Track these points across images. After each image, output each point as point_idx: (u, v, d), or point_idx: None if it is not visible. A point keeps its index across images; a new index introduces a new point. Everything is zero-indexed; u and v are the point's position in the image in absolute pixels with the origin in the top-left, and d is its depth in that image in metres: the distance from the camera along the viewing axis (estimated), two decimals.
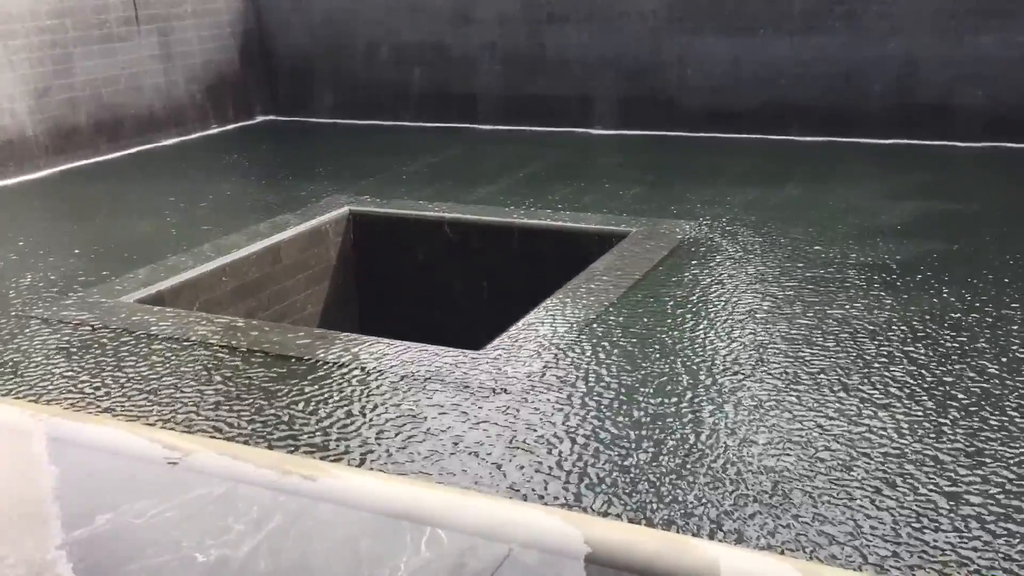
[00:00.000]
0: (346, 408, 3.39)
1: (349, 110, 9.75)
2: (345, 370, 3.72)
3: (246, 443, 3.07)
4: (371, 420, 3.29)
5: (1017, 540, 2.52)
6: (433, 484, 2.47)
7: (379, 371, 3.69)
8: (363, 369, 3.71)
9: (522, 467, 2.94)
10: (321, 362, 3.80)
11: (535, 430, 3.19)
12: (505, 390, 3.49)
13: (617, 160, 7.73)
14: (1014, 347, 3.73)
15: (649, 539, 2.21)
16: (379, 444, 3.11)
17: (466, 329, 5.52)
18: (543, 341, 3.96)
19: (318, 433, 3.20)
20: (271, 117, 10.08)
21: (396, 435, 3.17)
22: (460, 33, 9.08)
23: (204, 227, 6.03)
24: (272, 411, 3.38)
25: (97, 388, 3.62)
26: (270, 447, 3.06)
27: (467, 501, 2.09)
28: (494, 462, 2.97)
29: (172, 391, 3.56)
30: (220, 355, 3.91)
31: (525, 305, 4.48)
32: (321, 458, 2.92)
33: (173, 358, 3.90)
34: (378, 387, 3.55)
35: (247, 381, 3.65)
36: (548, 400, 3.41)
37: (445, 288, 6.42)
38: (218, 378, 3.69)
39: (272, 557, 1.99)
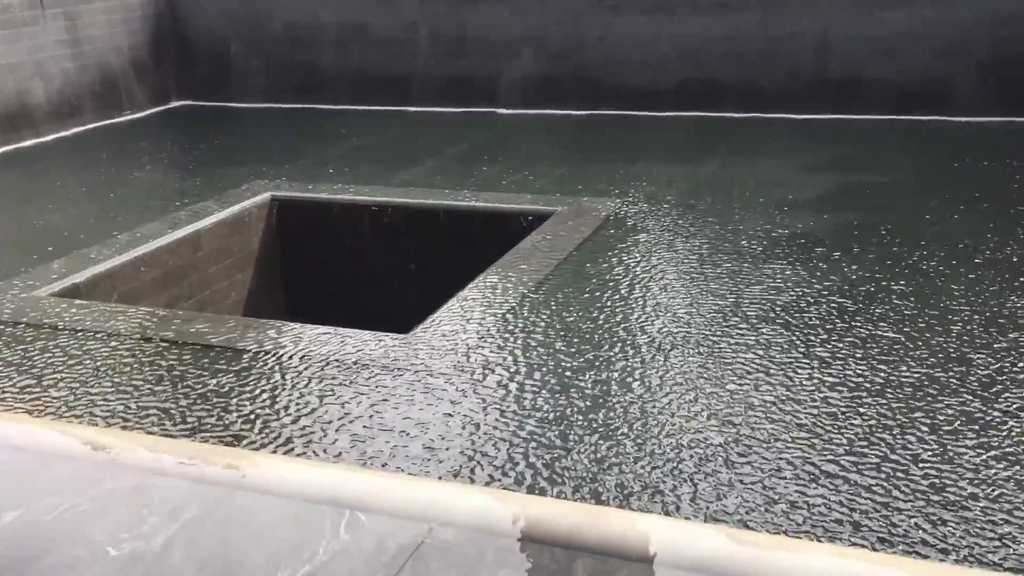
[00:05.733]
0: (270, 396, 3.32)
1: (270, 94, 9.54)
2: (269, 357, 3.64)
3: (165, 435, 2.99)
4: (295, 407, 3.23)
5: (920, 504, 2.60)
6: (353, 468, 2.44)
7: (304, 357, 3.63)
8: (287, 356, 3.64)
9: (448, 448, 2.92)
10: (244, 350, 3.72)
11: (463, 412, 3.17)
12: (432, 373, 3.46)
13: (542, 139, 7.72)
14: (932, 312, 3.84)
15: (576, 512, 2.22)
16: (303, 430, 3.05)
17: (395, 313, 5.46)
18: (470, 322, 3.94)
19: (240, 422, 3.13)
20: (187, 102, 9.82)
21: (320, 421, 3.12)
22: (381, 13, 8.96)
23: (120, 216, 5.84)
24: (193, 402, 3.30)
25: (11, 385, 3.48)
26: (192, 438, 2.99)
27: (386, 483, 2.07)
28: (421, 445, 2.95)
29: (89, 385, 3.45)
30: (139, 347, 3.80)
31: (454, 287, 4.45)
32: (244, 447, 2.86)
33: (90, 352, 3.77)
34: (302, 373, 3.49)
35: (167, 372, 3.55)
36: (475, 381, 3.39)
37: (373, 272, 6.34)
38: (137, 370, 3.58)
39: (188, 548, 1.94)
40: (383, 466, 2.76)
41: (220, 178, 6.69)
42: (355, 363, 3.56)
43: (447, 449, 2.91)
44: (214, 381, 3.46)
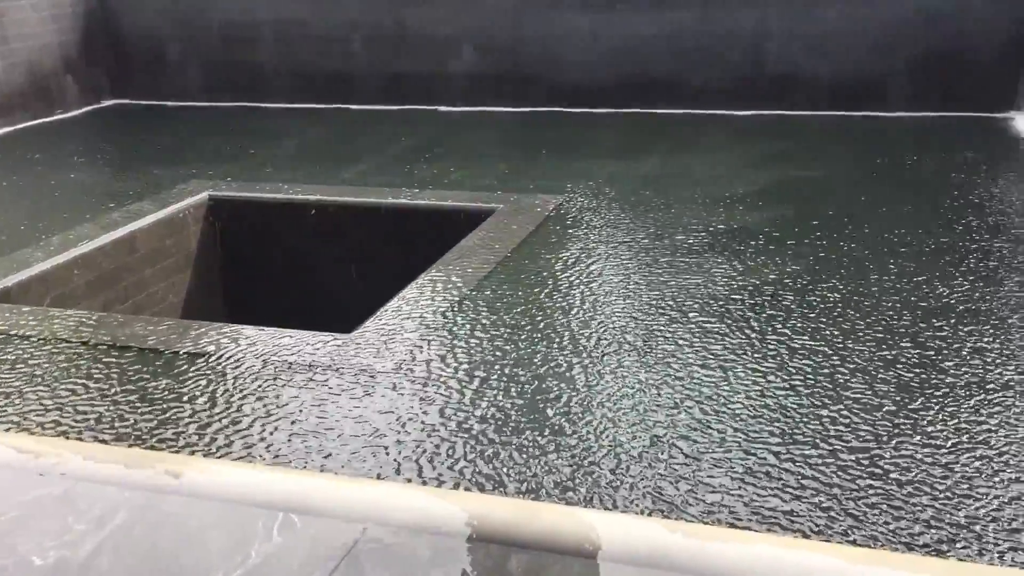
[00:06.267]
0: (207, 398, 3.26)
1: (207, 92, 9.39)
2: (207, 359, 3.58)
3: (99, 440, 2.92)
4: (233, 409, 3.18)
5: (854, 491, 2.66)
6: (287, 470, 2.41)
7: (243, 358, 3.57)
8: (226, 357, 3.59)
9: (387, 447, 2.90)
10: (181, 353, 3.65)
11: (404, 411, 3.16)
12: (373, 373, 3.44)
13: (483, 137, 7.72)
14: (865, 303, 3.92)
15: (515, 508, 2.23)
16: (240, 433, 3.01)
17: (337, 313, 5.41)
18: (412, 322, 3.92)
19: (176, 425, 3.07)
20: (121, 101, 9.61)
21: (258, 423, 3.08)
22: (319, 10, 8.86)
23: (52, 218, 5.70)
24: (129, 405, 3.23)
25: None
26: (126, 442, 2.92)
27: (321, 484, 2.05)
28: (360, 445, 2.93)
29: (22, 391, 3.35)
30: (73, 351, 3.70)
31: (396, 286, 4.42)
32: (180, 450, 2.81)
33: (23, 357, 3.67)
34: (241, 375, 3.44)
35: (103, 376, 3.47)
36: (415, 379, 3.38)
37: (314, 272, 6.28)
38: (72, 375, 3.49)
39: (115, 555, 1.90)
40: (321, 467, 2.74)
41: (156, 178, 6.57)
42: (295, 363, 3.52)
43: (386, 448, 2.89)
44: (151, 384, 3.39)
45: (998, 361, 3.38)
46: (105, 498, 2.20)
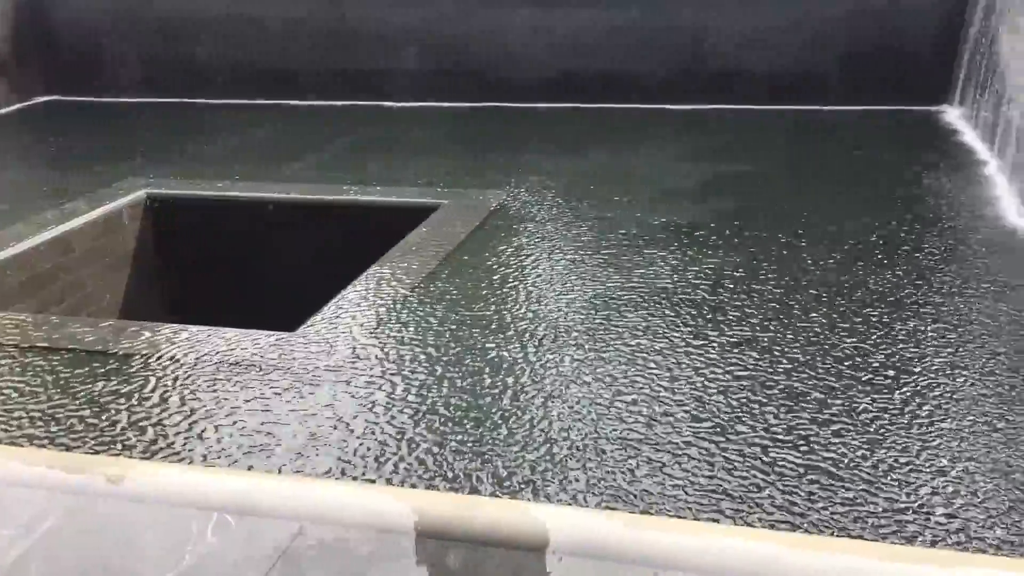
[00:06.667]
0: (145, 400, 3.21)
1: (145, 88, 9.19)
2: (146, 360, 3.52)
3: (33, 444, 2.85)
4: (171, 409, 3.13)
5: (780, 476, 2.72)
6: (222, 470, 2.38)
7: (182, 358, 3.52)
8: (166, 357, 3.53)
9: (328, 445, 2.89)
10: (119, 353, 3.58)
11: (347, 409, 3.14)
12: (315, 370, 3.41)
13: (429, 132, 7.69)
14: (802, 295, 4.00)
15: (456, 503, 2.23)
16: (178, 434, 2.96)
17: (280, 311, 5.35)
18: (355, 319, 3.90)
19: (114, 427, 3.01)
20: (55, 97, 9.37)
21: (197, 423, 3.04)
22: (263, 4, 8.74)
23: None
24: (66, 408, 3.16)
25: None
26: (61, 446, 2.86)
27: (256, 483, 2.03)
28: (301, 443, 2.90)
29: None
30: (7, 354, 3.61)
31: (341, 284, 4.39)
32: (116, 453, 2.76)
33: None
34: (180, 375, 3.38)
35: (39, 379, 3.39)
36: (361, 377, 3.36)
37: (256, 270, 6.20)
38: (6, 378, 3.40)
39: (43, 561, 1.85)
40: (264, 466, 2.71)
41: (92, 176, 6.42)
42: (236, 362, 3.48)
43: (328, 446, 2.87)
44: (87, 386, 3.32)
45: (927, 350, 3.47)
46: (34, 503, 2.15)
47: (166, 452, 2.82)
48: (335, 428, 2.99)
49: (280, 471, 2.62)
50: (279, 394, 3.23)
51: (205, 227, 6.08)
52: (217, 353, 3.55)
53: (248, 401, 3.18)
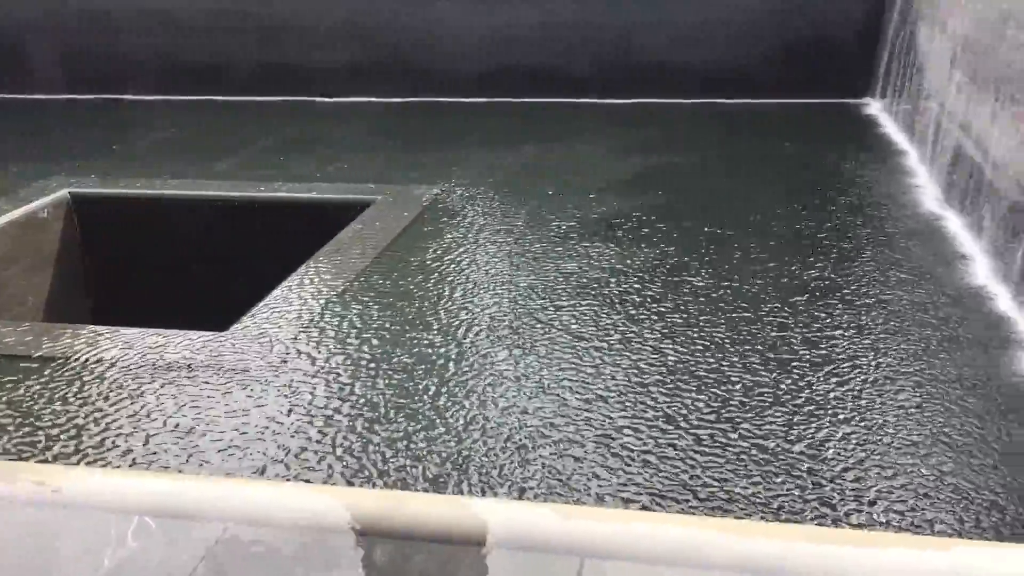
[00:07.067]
0: (69, 404, 3.12)
1: (67, 85, 8.93)
2: (70, 363, 3.43)
3: None
4: (97, 413, 3.05)
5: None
6: (143, 473, 2.34)
7: (109, 360, 3.44)
8: (92, 360, 3.44)
9: (260, 444, 2.85)
10: (43, 357, 3.48)
11: (277, 408, 3.11)
12: (246, 370, 3.37)
13: (359, 128, 7.63)
14: (732, 285, 4.07)
15: (385, 499, 2.23)
16: (105, 438, 2.89)
17: (211, 312, 5.26)
18: (287, 318, 3.86)
19: (35, 432, 2.93)
20: None
21: (124, 426, 2.97)
22: None
23: None
24: None
25: None
26: None
27: (178, 485, 2.00)
28: (231, 444, 2.86)
29: None
30: None
31: (272, 282, 4.33)
32: (37, 459, 2.69)
33: None
34: (107, 378, 3.30)
35: None
36: (296, 379, 3.32)
37: (185, 270, 6.08)
38: None
39: None
40: (195, 468, 2.67)
41: (12, 176, 6.22)
42: (164, 364, 3.41)
43: (260, 445, 2.84)
44: (10, 391, 3.22)
45: (850, 335, 3.57)
46: None
47: (91, 457, 2.75)
48: (265, 428, 2.96)
49: (206, 473, 2.59)
50: (209, 395, 3.18)
51: (131, 226, 5.94)
52: (145, 355, 3.48)
53: (177, 403, 3.12)
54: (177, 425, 2.98)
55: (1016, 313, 3.71)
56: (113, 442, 2.88)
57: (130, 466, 2.69)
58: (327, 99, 8.47)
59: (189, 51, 8.66)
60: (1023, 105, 4.12)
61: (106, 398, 3.14)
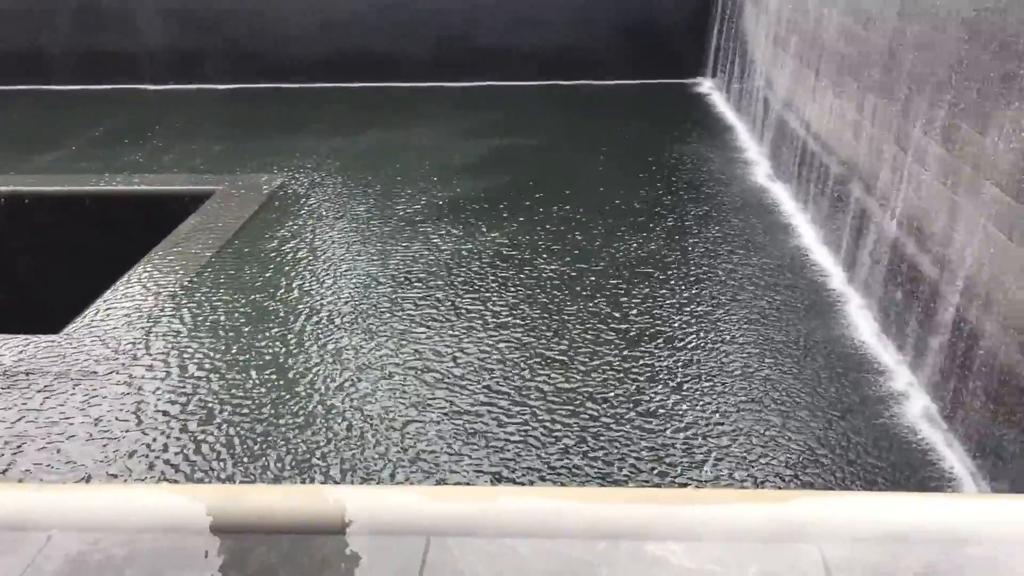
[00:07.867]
0: None
1: None
2: None
3: None
4: None
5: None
6: None
7: None
8: None
9: (117, 449, 2.73)
10: None
11: (119, 410, 2.97)
12: (83, 373, 3.20)
13: (195, 116, 7.32)
14: (575, 262, 4.17)
15: (251, 493, 2.17)
16: None
17: (41, 313, 4.96)
18: (130, 315, 3.68)
19: None
20: None
21: None
22: None
23: None
24: None
25: None
26: None
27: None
28: (62, 450, 2.72)
29: None
30: None
31: (107, 280, 4.12)
32: None
33: None
34: None
35: None
36: (140, 377, 3.18)
37: (12, 270, 5.69)
38: None
39: None
40: (14, 476, 2.52)
41: None
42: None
43: (117, 451, 2.71)
44: None
45: (686, 304, 3.73)
46: None
47: None
48: (110, 430, 2.82)
49: (27, 479, 2.46)
50: (46, 399, 3.00)
51: None
52: None
53: (11, 408, 2.94)
54: (9, 431, 2.80)
55: (841, 277, 3.98)
56: None
57: None
58: (156, 86, 8.10)
59: (7, 38, 8.07)
60: (841, 81, 4.41)
61: None
